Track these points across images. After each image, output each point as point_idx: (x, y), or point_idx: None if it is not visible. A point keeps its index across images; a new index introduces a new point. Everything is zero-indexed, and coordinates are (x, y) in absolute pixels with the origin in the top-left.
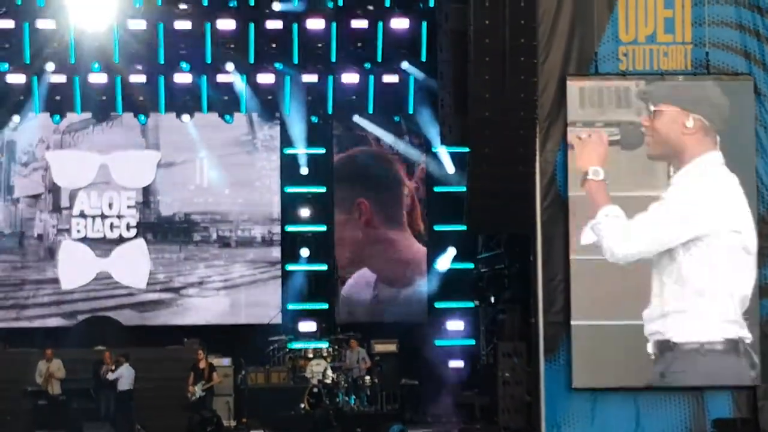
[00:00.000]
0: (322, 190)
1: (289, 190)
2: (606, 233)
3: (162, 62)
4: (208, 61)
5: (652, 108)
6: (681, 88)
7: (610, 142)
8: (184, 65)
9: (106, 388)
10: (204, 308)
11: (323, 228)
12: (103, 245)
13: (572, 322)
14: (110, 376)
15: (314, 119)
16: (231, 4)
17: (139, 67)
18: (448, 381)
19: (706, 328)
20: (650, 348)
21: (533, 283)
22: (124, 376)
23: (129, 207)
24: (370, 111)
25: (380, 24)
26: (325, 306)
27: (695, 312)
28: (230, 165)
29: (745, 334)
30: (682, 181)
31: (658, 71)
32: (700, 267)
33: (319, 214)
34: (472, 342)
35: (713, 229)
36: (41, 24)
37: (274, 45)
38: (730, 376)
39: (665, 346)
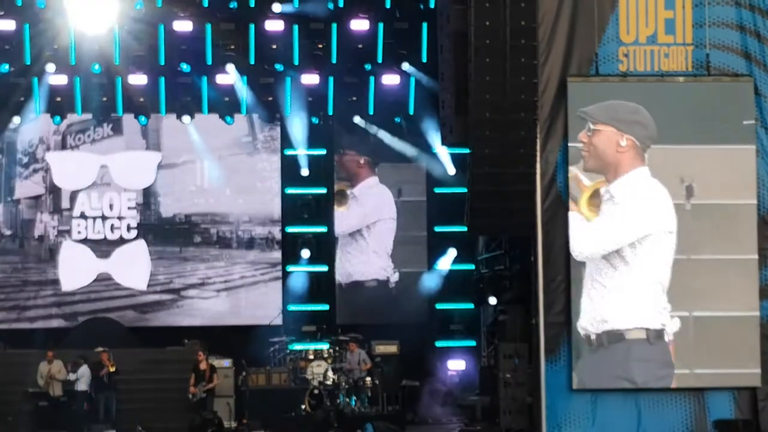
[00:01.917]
0: (323, 191)
1: (290, 191)
2: (572, 236)
3: (162, 63)
4: (209, 62)
5: (591, 126)
6: (617, 110)
7: None
8: (184, 66)
9: (105, 389)
10: (204, 309)
11: (324, 229)
12: (103, 246)
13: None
14: (71, 377)
15: (315, 120)
16: (231, 6)
17: (140, 69)
18: (448, 382)
19: (642, 316)
20: (593, 337)
21: (534, 284)
22: (85, 376)
23: (129, 208)
24: (371, 112)
25: (381, 25)
26: (326, 307)
27: (635, 300)
28: (231, 166)
29: (667, 322)
30: (619, 191)
31: (659, 72)
32: (642, 262)
33: (319, 215)
34: (473, 343)
35: (654, 230)
36: (42, 25)
37: (274, 46)
38: (657, 362)
39: (613, 337)
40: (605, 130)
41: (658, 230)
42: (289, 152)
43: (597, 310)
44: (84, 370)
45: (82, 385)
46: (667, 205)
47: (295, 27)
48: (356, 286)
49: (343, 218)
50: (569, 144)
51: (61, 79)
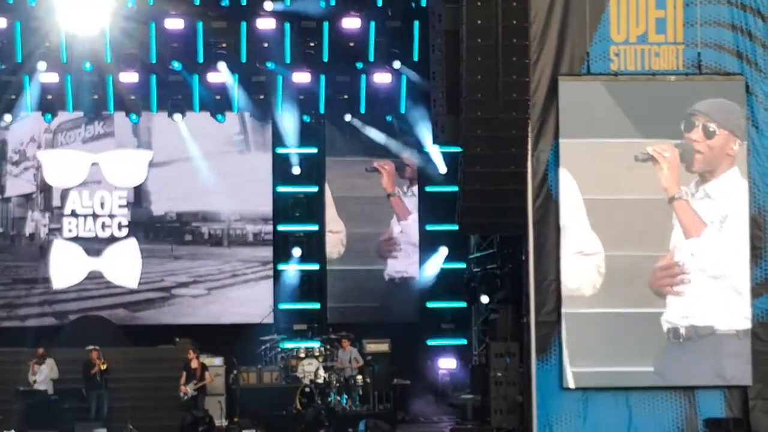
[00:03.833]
0: (314, 189)
1: (281, 189)
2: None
3: (154, 61)
4: (200, 60)
5: (712, 128)
6: (733, 114)
7: None
8: (176, 64)
9: (97, 388)
10: (196, 307)
11: (315, 227)
12: (94, 244)
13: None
14: (30, 378)
15: (306, 119)
16: (223, 4)
17: (131, 66)
18: (440, 381)
19: (727, 317)
20: (670, 335)
21: (525, 283)
22: (44, 375)
23: (121, 206)
24: (362, 111)
25: (372, 23)
26: (317, 306)
27: (718, 302)
28: (222, 164)
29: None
30: (715, 191)
31: (650, 71)
32: (727, 267)
33: (310, 213)
34: (464, 342)
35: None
36: (33, 23)
37: (265, 44)
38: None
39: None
40: (723, 133)
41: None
42: (280, 150)
43: (683, 307)
44: (44, 370)
45: (43, 385)
46: None
47: (287, 25)
48: (407, 281)
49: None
50: (561, 140)
51: (52, 77)
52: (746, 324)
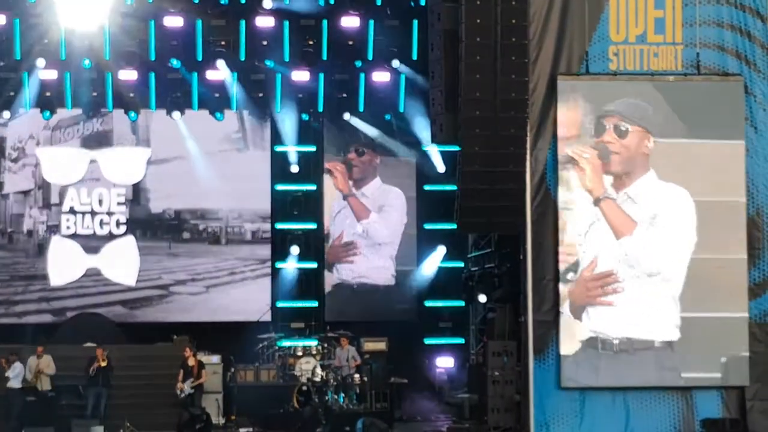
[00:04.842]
0: (313, 187)
1: (280, 187)
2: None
3: (153, 59)
4: (199, 58)
5: (624, 127)
6: (646, 110)
7: None
8: (174, 62)
9: (95, 385)
10: (193, 305)
11: (313, 225)
12: (92, 242)
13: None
14: (7, 374)
15: (305, 117)
16: (222, 2)
17: (130, 64)
18: (437, 380)
19: (658, 327)
20: (616, 341)
21: (523, 282)
22: (18, 372)
23: (119, 203)
24: (361, 109)
25: (371, 22)
26: (315, 304)
27: (653, 311)
28: (220, 162)
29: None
30: (636, 193)
31: (648, 71)
32: (660, 276)
33: (309, 211)
34: (462, 341)
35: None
36: (32, 20)
37: (264, 42)
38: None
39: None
40: (637, 131)
41: (681, 243)
42: (279, 149)
43: (617, 317)
44: (17, 367)
45: (15, 383)
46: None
47: (286, 23)
48: (367, 288)
49: (377, 226)
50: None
51: (51, 74)
52: (677, 334)
